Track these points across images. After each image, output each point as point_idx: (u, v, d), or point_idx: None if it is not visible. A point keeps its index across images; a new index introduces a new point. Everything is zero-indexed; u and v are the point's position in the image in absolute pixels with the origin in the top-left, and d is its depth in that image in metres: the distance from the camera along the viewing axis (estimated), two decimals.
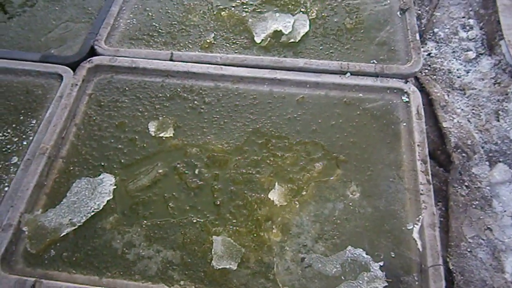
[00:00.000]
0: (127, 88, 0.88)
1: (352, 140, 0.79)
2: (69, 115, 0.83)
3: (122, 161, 0.78)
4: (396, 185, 0.74)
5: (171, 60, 0.91)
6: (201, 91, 0.87)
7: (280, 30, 0.93)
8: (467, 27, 1.13)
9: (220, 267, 0.66)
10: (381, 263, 0.66)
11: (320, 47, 0.92)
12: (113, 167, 0.78)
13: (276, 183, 0.74)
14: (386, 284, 0.64)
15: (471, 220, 0.84)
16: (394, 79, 0.86)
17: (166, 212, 0.73)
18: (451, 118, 0.96)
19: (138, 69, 0.90)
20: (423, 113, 0.82)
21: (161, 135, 0.81)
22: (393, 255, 0.67)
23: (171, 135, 0.81)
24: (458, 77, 1.05)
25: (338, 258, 0.67)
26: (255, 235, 0.70)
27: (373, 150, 0.78)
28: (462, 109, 0.99)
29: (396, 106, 0.84)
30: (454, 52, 1.09)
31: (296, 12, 0.97)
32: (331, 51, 0.91)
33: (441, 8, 1.16)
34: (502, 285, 0.77)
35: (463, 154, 0.92)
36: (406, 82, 0.86)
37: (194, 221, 0.72)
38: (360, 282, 0.64)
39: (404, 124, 0.81)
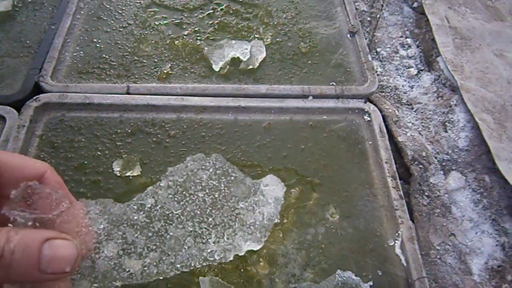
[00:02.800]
0: (82, 126, 0.82)
1: (323, 163, 0.80)
2: None
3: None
4: (371, 203, 0.76)
5: (127, 93, 0.86)
6: (163, 123, 0.83)
7: (238, 57, 0.92)
8: (406, 46, 1.21)
9: None
10: (371, 283, 0.66)
11: (279, 72, 0.93)
12: None
13: None
14: None
15: (436, 227, 0.88)
16: (354, 99, 0.89)
17: None
18: (404, 132, 1.01)
19: (92, 105, 0.84)
20: (385, 131, 0.85)
21: (127, 174, 0.76)
22: (380, 273, 0.68)
23: (139, 173, 0.76)
24: (404, 93, 1.12)
25: (329, 283, 0.66)
26: (242, 270, 0.67)
27: (344, 171, 0.80)
28: (412, 123, 1.05)
29: (359, 125, 0.87)
30: (397, 69, 1.17)
31: (251, 38, 0.97)
32: (290, 75, 0.93)
33: (380, 28, 1.24)
34: (473, 287, 0.81)
35: (420, 166, 0.97)
36: (366, 102, 0.89)
37: None
38: None
39: (370, 142, 0.84)
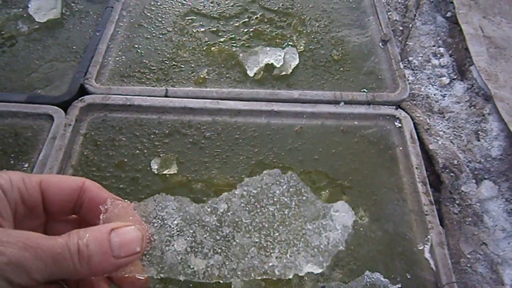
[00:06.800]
0: (123, 126, 0.86)
1: (353, 167, 0.82)
2: (65, 156, 0.80)
3: (126, 201, 0.76)
4: (401, 208, 0.77)
5: (166, 96, 0.90)
6: (199, 126, 0.87)
7: (272, 63, 0.95)
8: (438, 55, 1.21)
9: None
10: (399, 286, 0.67)
11: (312, 78, 0.95)
12: None
13: None
14: None
15: (467, 236, 0.88)
16: (385, 106, 0.90)
17: None
18: (435, 140, 1.01)
19: (133, 107, 0.89)
20: (416, 137, 0.86)
21: (164, 172, 0.80)
22: (409, 277, 0.69)
23: (175, 171, 0.80)
24: (436, 102, 1.12)
25: (357, 284, 0.67)
26: None
27: (374, 175, 0.81)
28: (444, 131, 1.05)
29: (390, 131, 0.88)
30: (429, 78, 1.17)
31: (284, 45, 1.00)
32: (322, 81, 0.95)
33: (412, 38, 1.24)
34: None
35: (451, 174, 0.97)
36: (397, 108, 0.90)
37: None
38: None
39: (400, 148, 0.85)
